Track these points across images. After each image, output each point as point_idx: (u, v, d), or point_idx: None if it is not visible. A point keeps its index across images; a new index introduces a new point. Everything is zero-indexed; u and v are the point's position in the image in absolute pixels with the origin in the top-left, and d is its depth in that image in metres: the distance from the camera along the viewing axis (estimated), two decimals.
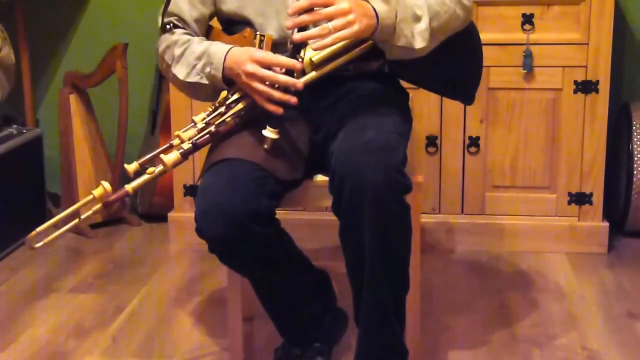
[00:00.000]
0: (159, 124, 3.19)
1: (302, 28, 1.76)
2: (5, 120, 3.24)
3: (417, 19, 1.80)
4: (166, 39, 1.97)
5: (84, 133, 3.15)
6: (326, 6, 1.71)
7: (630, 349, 2.22)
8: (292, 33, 1.75)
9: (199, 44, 1.91)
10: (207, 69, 1.87)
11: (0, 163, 2.92)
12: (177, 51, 1.92)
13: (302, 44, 1.77)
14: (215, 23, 2.04)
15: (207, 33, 2.01)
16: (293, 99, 1.79)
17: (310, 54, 1.78)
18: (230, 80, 1.86)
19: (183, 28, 1.97)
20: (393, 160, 1.74)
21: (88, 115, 3.18)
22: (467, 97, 2.10)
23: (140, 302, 2.56)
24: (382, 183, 1.70)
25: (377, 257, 1.76)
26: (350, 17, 1.71)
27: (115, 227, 3.20)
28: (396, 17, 1.77)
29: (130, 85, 3.06)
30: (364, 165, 1.71)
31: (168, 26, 1.97)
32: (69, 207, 1.82)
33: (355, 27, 1.71)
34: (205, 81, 1.88)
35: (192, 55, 1.90)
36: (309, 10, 1.72)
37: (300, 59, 1.78)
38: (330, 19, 1.71)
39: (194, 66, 1.89)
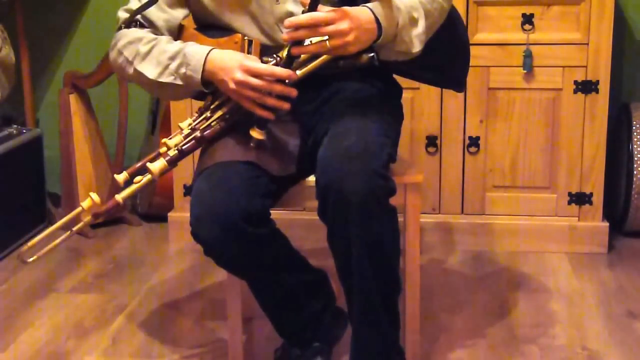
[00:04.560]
0: (159, 124, 3.19)
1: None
2: (5, 120, 3.23)
3: (415, 22, 1.78)
4: (127, 34, 1.90)
5: (84, 133, 3.15)
6: (327, 24, 1.69)
7: (630, 349, 2.22)
8: (289, 46, 1.73)
9: (169, 43, 1.86)
10: (183, 70, 1.82)
11: (0, 163, 2.92)
12: (143, 48, 1.86)
13: (297, 56, 1.75)
14: (186, 22, 1.97)
15: (179, 32, 1.94)
16: (286, 105, 1.77)
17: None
18: (207, 81, 1.82)
19: (149, 28, 1.91)
20: (374, 164, 1.72)
21: (88, 115, 3.18)
22: (457, 84, 2.09)
23: (140, 302, 2.56)
24: (365, 189, 1.69)
25: (365, 261, 1.76)
26: (349, 37, 1.69)
27: (115, 227, 3.19)
28: (397, 25, 1.75)
29: (130, 85, 3.06)
30: (345, 172, 1.70)
31: (134, 24, 1.90)
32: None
33: (351, 48, 1.71)
34: (179, 82, 1.83)
35: (164, 55, 1.84)
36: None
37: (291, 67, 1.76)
38: (328, 36, 1.70)
39: (167, 66, 1.83)
